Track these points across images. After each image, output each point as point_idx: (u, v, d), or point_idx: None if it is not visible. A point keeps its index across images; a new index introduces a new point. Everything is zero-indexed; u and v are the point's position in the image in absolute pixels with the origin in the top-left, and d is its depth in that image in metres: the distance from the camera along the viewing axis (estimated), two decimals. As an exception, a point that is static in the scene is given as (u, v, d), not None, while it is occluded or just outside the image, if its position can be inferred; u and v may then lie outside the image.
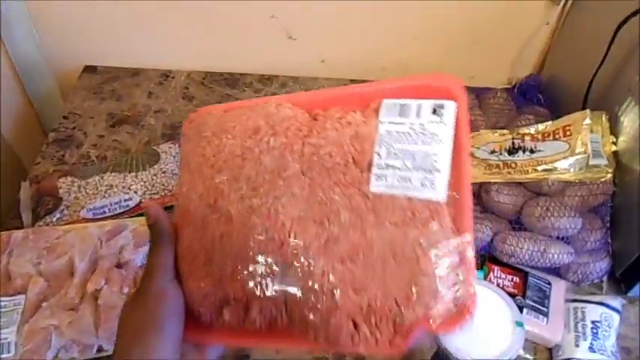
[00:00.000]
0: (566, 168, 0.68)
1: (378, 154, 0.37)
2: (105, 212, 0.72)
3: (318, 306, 0.36)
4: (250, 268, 0.37)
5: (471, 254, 0.35)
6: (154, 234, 0.41)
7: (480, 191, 0.71)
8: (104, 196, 0.74)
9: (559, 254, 0.65)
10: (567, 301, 0.66)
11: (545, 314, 0.64)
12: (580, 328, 0.63)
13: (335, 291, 0.35)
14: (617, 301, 0.65)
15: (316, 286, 0.36)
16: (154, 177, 0.76)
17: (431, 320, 0.34)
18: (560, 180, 0.67)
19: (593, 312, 0.64)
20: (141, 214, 0.73)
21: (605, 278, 0.69)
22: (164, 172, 0.76)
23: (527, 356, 0.63)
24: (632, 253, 0.66)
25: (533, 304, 0.64)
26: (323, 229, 0.37)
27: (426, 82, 0.38)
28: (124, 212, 0.73)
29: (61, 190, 0.74)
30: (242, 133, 0.41)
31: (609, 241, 0.68)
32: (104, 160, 0.82)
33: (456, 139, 0.36)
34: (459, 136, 0.36)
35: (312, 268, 0.36)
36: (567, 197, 0.67)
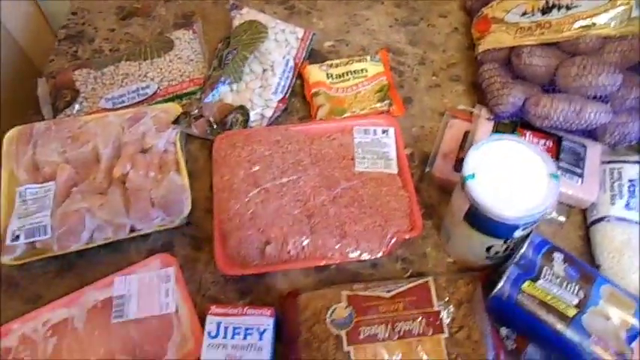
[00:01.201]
0: (606, 22, 0.63)
1: (357, 152, 0.66)
2: (124, 101, 0.71)
3: (335, 232, 0.60)
4: (285, 218, 0.61)
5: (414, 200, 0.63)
6: None
7: (511, 55, 0.67)
8: (121, 85, 0.72)
9: (596, 113, 0.61)
10: (603, 163, 0.64)
11: (580, 175, 0.62)
12: (616, 188, 0.61)
13: (343, 224, 0.61)
14: (655, 160, 0.63)
15: (331, 222, 0.61)
16: (170, 63, 0.73)
17: (398, 233, 0.60)
18: (599, 36, 0.63)
19: (631, 171, 0.62)
20: (160, 102, 0.72)
21: (642, 141, 0.66)
22: (180, 58, 0.74)
23: (561, 218, 0.62)
24: (673, 110, 0.63)
25: (568, 167, 0.62)
26: (331, 191, 0.63)
27: (378, 119, 0.69)
28: (142, 100, 0.71)
29: (77, 83, 0.73)
30: (267, 143, 0.66)
31: (649, 99, 0.65)
32: (117, 52, 0.79)
33: (398, 146, 0.67)
34: (399, 143, 0.67)
35: (327, 213, 0.62)
36: (606, 54, 0.63)
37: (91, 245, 0.61)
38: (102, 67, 0.74)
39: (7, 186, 0.65)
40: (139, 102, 0.71)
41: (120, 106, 0.71)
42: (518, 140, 0.54)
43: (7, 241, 0.60)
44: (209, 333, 0.54)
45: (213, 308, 0.55)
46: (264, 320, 0.54)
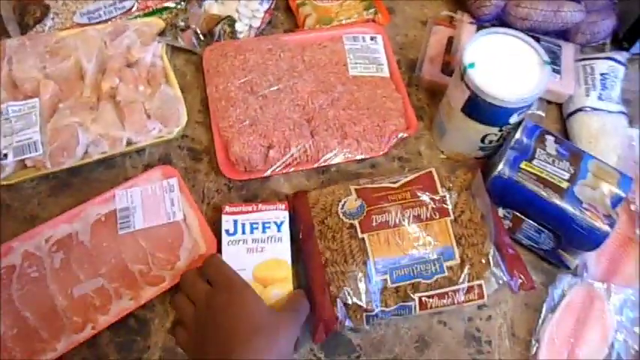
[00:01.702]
0: None
1: (349, 58, 0.67)
2: (100, 15, 0.68)
3: (336, 134, 0.62)
4: (286, 122, 0.62)
5: (407, 101, 0.66)
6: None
7: (491, -40, 0.69)
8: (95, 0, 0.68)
9: (572, 12, 0.65)
10: (577, 61, 0.68)
11: (558, 72, 0.66)
12: (590, 81, 0.66)
13: (343, 126, 0.62)
14: (622, 55, 0.68)
15: (331, 124, 0.62)
16: (147, -24, 0.70)
17: (396, 132, 0.63)
18: (572, -63, 0.66)
19: (602, 65, 0.67)
20: (139, 16, 0.69)
21: (608, 41, 0.71)
22: (156, -29, 0.71)
23: (540, 113, 0.67)
24: (636, 10, 0.68)
25: (547, 64, 0.66)
26: (328, 95, 0.64)
27: (365, 27, 0.70)
28: (120, 14, 0.68)
29: (45, -2, 0.68)
30: (259, 51, 0.66)
31: (615, 1, 0.69)
32: (83, -33, 0.74)
33: (387, 52, 0.68)
34: (388, 49, 0.69)
35: (327, 116, 0.63)
36: (579, -45, 0.67)
37: (86, 161, 0.60)
38: (71, -20, 0.69)
39: (-16, 106, 0.61)
40: (116, 16, 0.68)
41: (97, 20, 0.68)
42: (510, 32, 0.57)
43: (-5, 160, 0.57)
44: (227, 231, 0.55)
45: (227, 208, 0.56)
46: (279, 213, 0.56)
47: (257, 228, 0.55)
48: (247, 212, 0.56)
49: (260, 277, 0.54)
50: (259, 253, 0.54)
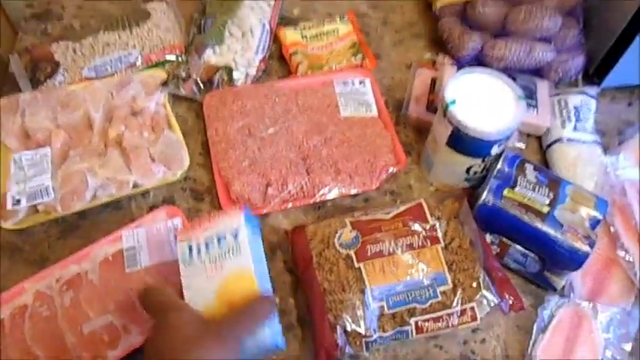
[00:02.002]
0: (543, -26, 0.72)
1: (340, 100, 0.72)
2: (107, 70, 0.73)
3: (330, 171, 0.66)
4: (283, 161, 0.66)
5: (396, 137, 0.70)
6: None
7: (466, 8, 0.75)
8: (102, 55, 0.74)
9: (543, 52, 0.71)
10: (552, 96, 0.73)
11: (535, 106, 0.71)
12: (565, 114, 0.71)
13: (336, 163, 0.67)
14: (592, 90, 0.73)
15: (325, 162, 0.66)
16: (150, 32, 0.76)
17: (386, 167, 0.67)
18: (538, -15, 0.72)
19: (575, 99, 0.72)
20: (144, 69, 0.74)
21: (580, 77, 0.77)
22: (158, 27, 0.76)
23: (521, 145, 0.71)
24: (604, 47, 0.74)
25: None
26: (321, 135, 0.69)
27: (354, 72, 0.75)
28: (125, 68, 0.73)
29: (56, 55, 0.74)
30: (256, 97, 0.70)
31: (583, 41, 0.75)
32: (90, 27, 0.80)
33: (375, 93, 0.73)
34: (375, 91, 0.73)
35: (321, 154, 0.67)
36: (547, 1, 0.73)
37: (94, 204, 0.63)
38: (80, 38, 0.75)
39: (-2, 155, 0.65)
40: (122, 69, 0.73)
41: (104, 74, 0.72)
42: (487, 71, 0.62)
43: (9, 206, 0.61)
44: (183, 261, 0.50)
45: (179, 234, 0.51)
46: (233, 220, 0.50)
47: (212, 244, 0.49)
48: (200, 229, 0.51)
49: (225, 300, 0.48)
50: (219, 271, 0.48)
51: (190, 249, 0.50)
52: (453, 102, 0.58)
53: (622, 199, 0.64)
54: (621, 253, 0.62)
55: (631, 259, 0.61)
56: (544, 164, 0.71)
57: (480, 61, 0.74)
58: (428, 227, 0.59)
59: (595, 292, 0.61)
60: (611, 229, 0.63)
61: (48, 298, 0.57)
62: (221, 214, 0.51)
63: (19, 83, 0.73)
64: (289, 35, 0.77)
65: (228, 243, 0.49)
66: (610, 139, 0.73)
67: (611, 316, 0.59)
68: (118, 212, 0.65)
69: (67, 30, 0.80)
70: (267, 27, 0.77)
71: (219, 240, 0.49)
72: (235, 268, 0.49)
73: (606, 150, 0.70)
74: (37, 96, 0.68)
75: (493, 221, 0.59)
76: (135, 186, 0.64)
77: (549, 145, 0.70)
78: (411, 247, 0.58)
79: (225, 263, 0.49)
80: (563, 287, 0.61)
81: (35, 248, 0.63)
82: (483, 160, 0.61)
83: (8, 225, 0.61)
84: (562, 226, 0.56)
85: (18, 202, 0.61)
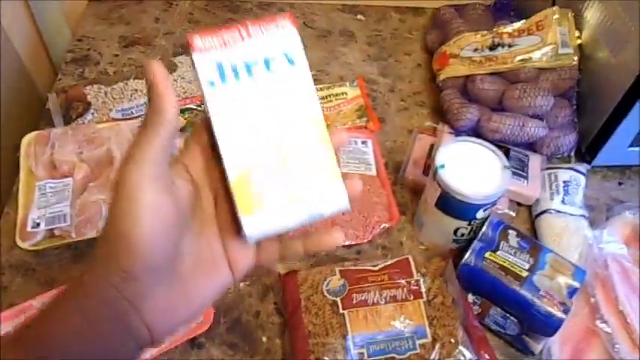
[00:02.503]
0: (539, 57, 0.79)
1: (341, 158, 0.74)
2: (132, 113, 0.80)
3: (325, 223, 0.63)
4: None
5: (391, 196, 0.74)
6: (149, 103, 0.32)
7: (467, 82, 0.81)
8: (130, 100, 0.81)
9: (535, 128, 0.76)
10: (543, 170, 0.78)
11: (525, 177, 0.75)
12: (554, 187, 0.75)
13: None
14: (582, 167, 0.78)
15: None
16: (175, 82, 0.83)
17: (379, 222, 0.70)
18: (534, 67, 0.78)
19: (564, 174, 0.76)
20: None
21: (572, 153, 0.81)
22: (183, 78, 0.84)
23: (511, 213, 0.75)
24: (595, 128, 0.79)
25: (515, 171, 0.76)
26: None
27: (358, 133, 0.80)
28: (150, 113, 0.80)
29: (88, 97, 0.81)
30: None
31: (576, 120, 0.80)
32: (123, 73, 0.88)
33: (376, 154, 0.77)
34: (376, 152, 0.78)
35: None
36: (541, 81, 0.78)
37: (106, 233, 0.68)
38: (112, 83, 0.83)
39: (25, 182, 0.71)
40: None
41: (129, 116, 0.79)
42: (478, 141, 0.67)
43: (28, 228, 0.66)
44: (210, 82, 0.34)
45: (197, 40, 0.34)
46: (284, 35, 0.36)
47: (255, 66, 0.35)
48: (234, 44, 0.35)
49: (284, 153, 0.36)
50: (274, 108, 0.35)
51: (221, 69, 0.34)
52: (442, 166, 0.63)
53: (604, 272, 0.66)
54: (600, 325, 0.64)
55: (609, 331, 0.63)
56: (533, 232, 0.74)
57: (476, 132, 0.79)
58: (412, 282, 0.63)
59: (573, 361, 0.63)
60: (592, 300, 0.65)
61: (51, 317, 0.61)
62: (260, 24, 0.35)
63: (54, 119, 0.80)
64: (302, 95, 0.84)
65: (281, 67, 0.35)
66: (598, 214, 0.77)
67: (587, 386, 0.60)
68: (127, 243, 0.70)
69: (102, 75, 0.89)
70: (283, 86, 0.84)
71: (266, 64, 0.35)
72: (297, 104, 0.35)
73: (593, 224, 0.73)
74: (68, 131, 0.75)
75: (474, 281, 0.62)
76: (144, 220, 0.69)
77: (538, 215, 0.74)
78: (394, 299, 0.61)
79: (282, 97, 0.35)
80: (542, 352, 0.63)
81: (47, 270, 0.67)
82: (470, 223, 0.65)
83: (26, 245, 0.66)
84: (539, 290, 0.59)
85: (37, 225, 0.66)
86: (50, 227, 0.66)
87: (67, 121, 0.79)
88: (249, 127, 0.35)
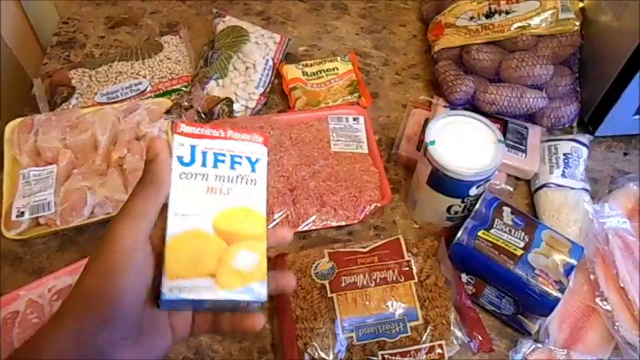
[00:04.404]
0: (538, 23, 0.75)
1: (332, 135, 0.74)
2: (117, 96, 0.78)
3: (315, 202, 0.68)
4: (271, 191, 0.67)
5: (383, 174, 0.72)
6: (147, 173, 0.38)
7: (462, 53, 0.78)
8: (115, 82, 0.79)
9: (534, 98, 0.72)
10: (542, 141, 0.75)
11: (524, 151, 0.72)
12: (554, 160, 0.72)
13: (322, 195, 0.69)
14: (584, 138, 0.74)
15: (311, 194, 0.68)
16: (160, 63, 0.81)
17: (370, 202, 0.69)
18: (533, 34, 0.74)
19: (565, 146, 0.73)
20: (151, 97, 0.79)
21: (574, 124, 0.78)
22: (169, 59, 0.82)
23: (509, 188, 0.72)
24: (597, 96, 0.75)
25: (513, 144, 0.73)
26: (310, 168, 0.71)
27: (349, 109, 0.78)
28: (135, 95, 0.78)
29: (73, 81, 0.79)
30: (251, 129, 0.68)
31: (578, 89, 0.76)
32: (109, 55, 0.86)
33: (368, 131, 0.76)
34: (368, 129, 0.76)
35: (308, 186, 0.69)
36: (540, 50, 0.74)
37: (91, 220, 0.67)
38: (96, 66, 0.81)
39: (9, 170, 0.70)
40: (131, 97, 0.78)
41: (114, 100, 0.78)
42: (470, 114, 0.64)
43: (13, 217, 0.65)
44: (180, 158, 0.39)
45: (182, 126, 0.40)
46: (255, 147, 0.42)
47: (223, 161, 0.40)
48: (211, 137, 0.40)
49: (223, 229, 0.39)
50: (224, 196, 0.39)
51: (193, 150, 0.39)
52: (433, 142, 0.60)
53: (604, 247, 0.64)
54: (600, 302, 0.61)
55: (609, 308, 0.61)
56: (532, 208, 0.72)
57: (472, 105, 0.76)
58: (403, 263, 0.61)
59: (571, 340, 0.61)
60: (591, 277, 0.62)
61: (39, 306, 0.61)
62: (241, 134, 0.41)
63: (39, 105, 0.79)
64: (291, 71, 0.81)
65: (244, 169, 0.40)
66: (601, 187, 0.74)
67: (586, 365, 0.58)
68: (114, 230, 0.69)
69: (87, 57, 0.87)
70: (271, 63, 0.81)
71: (232, 160, 0.40)
72: (245, 201, 0.40)
73: (595, 197, 0.70)
74: (51, 117, 0.73)
75: (467, 261, 0.59)
76: (130, 206, 0.68)
77: (537, 190, 0.71)
78: (384, 280, 0.59)
79: (235, 189, 0.40)
80: (539, 332, 0.61)
81: (35, 258, 0.67)
82: (463, 201, 0.63)
83: (11, 235, 0.65)
84: (534, 269, 0.56)
85: (22, 214, 0.65)
86: (35, 216, 0.65)
87: (52, 106, 0.78)
88: (198, 203, 0.39)
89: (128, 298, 0.35)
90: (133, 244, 0.35)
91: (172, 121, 0.75)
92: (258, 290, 0.38)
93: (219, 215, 0.39)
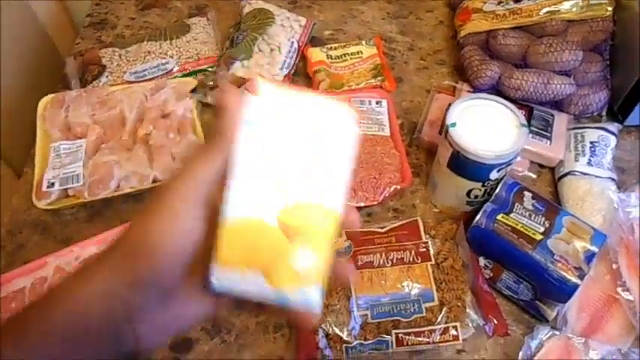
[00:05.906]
0: (568, 8, 0.73)
1: None
2: (145, 75, 0.80)
3: None
4: None
5: (404, 157, 0.72)
6: (219, 133, 0.32)
7: (488, 38, 0.77)
8: (143, 62, 0.81)
9: (561, 85, 0.71)
10: (569, 129, 0.73)
11: (549, 138, 0.71)
12: (580, 148, 0.70)
13: None
14: (613, 126, 0.72)
15: None
16: (187, 44, 0.82)
17: (390, 184, 0.69)
18: (563, 19, 0.73)
19: (592, 134, 0.71)
20: (177, 77, 0.80)
21: (603, 112, 0.76)
22: (196, 40, 0.83)
23: (532, 175, 0.71)
24: (628, 84, 0.73)
25: (538, 130, 0.72)
26: None
27: (372, 93, 0.78)
28: (162, 75, 0.80)
29: (103, 59, 0.81)
30: None
31: (608, 76, 0.74)
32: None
33: (390, 114, 0.76)
34: (391, 112, 0.76)
35: None
36: (569, 35, 0.73)
37: (118, 193, 0.69)
38: (126, 46, 0.82)
39: (41, 143, 0.72)
40: (159, 76, 0.80)
41: (142, 79, 0.79)
42: (494, 98, 0.63)
43: (44, 188, 0.68)
44: (249, 121, 0.33)
45: (261, 81, 0.35)
46: (339, 112, 0.34)
47: (304, 144, 0.33)
48: (291, 97, 0.34)
49: (288, 223, 0.33)
50: (297, 185, 0.33)
51: (268, 124, 0.33)
52: (454, 124, 0.60)
53: (629, 237, 0.62)
54: (622, 292, 0.60)
55: (631, 298, 0.59)
56: (555, 196, 0.71)
57: (497, 90, 0.75)
58: (421, 244, 0.61)
59: (590, 329, 0.60)
60: (614, 266, 0.61)
61: (65, 273, 0.63)
62: (329, 100, 0.35)
63: (71, 83, 0.81)
64: (315, 54, 0.82)
65: (325, 156, 0.34)
66: (629, 177, 0.72)
67: (605, 354, 0.58)
68: (139, 203, 0.71)
69: (118, 38, 0.89)
70: (296, 45, 0.82)
71: (314, 144, 0.34)
72: (318, 195, 0.34)
73: (622, 187, 0.69)
74: (82, 94, 0.76)
75: (485, 244, 0.59)
76: (154, 181, 0.69)
77: (561, 177, 0.70)
78: (401, 261, 0.60)
79: (309, 180, 0.33)
80: (557, 319, 0.60)
81: (64, 228, 0.69)
82: (484, 185, 0.62)
83: (42, 205, 0.68)
84: (553, 254, 0.56)
85: (52, 185, 0.68)
86: (64, 187, 0.68)
87: (83, 83, 0.80)
88: (267, 180, 0.33)
89: (168, 260, 0.31)
90: (185, 207, 0.31)
91: (197, 100, 0.76)
92: (311, 296, 0.33)
93: (286, 208, 0.33)
